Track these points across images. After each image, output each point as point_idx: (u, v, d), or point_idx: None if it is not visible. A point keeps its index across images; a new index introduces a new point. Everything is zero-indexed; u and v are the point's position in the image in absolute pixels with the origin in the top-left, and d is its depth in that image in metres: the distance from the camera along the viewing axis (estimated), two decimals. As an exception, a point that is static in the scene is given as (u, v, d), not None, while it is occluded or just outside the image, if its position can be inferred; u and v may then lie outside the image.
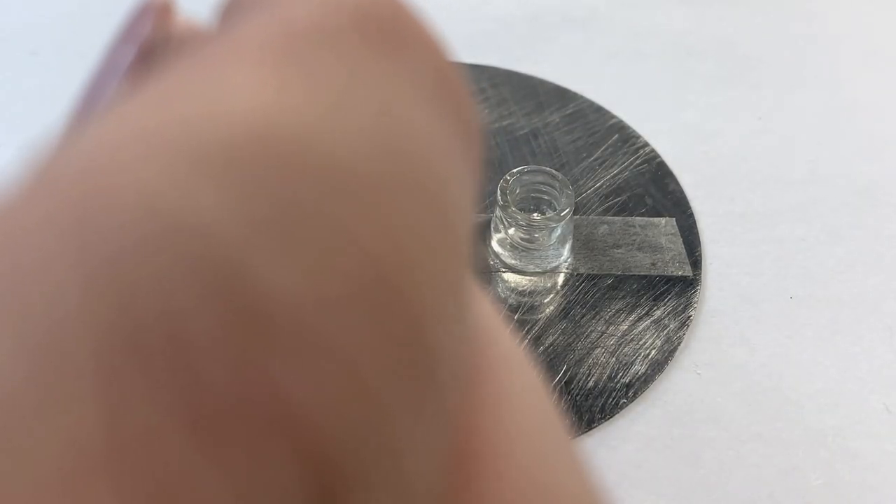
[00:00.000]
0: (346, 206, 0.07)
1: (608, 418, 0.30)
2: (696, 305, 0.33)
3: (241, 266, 0.06)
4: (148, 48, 0.11)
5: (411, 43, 0.10)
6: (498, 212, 0.33)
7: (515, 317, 0.33)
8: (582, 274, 0.34)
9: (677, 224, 0.36)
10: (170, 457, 0.06)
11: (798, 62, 0.44)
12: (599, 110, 0.40)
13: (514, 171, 0.33)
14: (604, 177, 0.38)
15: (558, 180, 0.32)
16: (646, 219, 0.36)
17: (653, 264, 0.34)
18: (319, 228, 0.07)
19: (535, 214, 0.32)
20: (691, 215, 0.36)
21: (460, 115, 0.10)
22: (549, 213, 0.32)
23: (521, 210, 0.32)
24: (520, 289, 0.34)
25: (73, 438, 0.06)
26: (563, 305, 0.33)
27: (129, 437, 0.06)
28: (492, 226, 0.34)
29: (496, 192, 0.32)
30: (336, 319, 0.07)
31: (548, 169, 0.33)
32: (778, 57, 0.44)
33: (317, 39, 0.09)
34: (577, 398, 0.30)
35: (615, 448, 0.29)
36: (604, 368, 0.31)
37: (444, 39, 0.11)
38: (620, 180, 0.37)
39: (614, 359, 0.31)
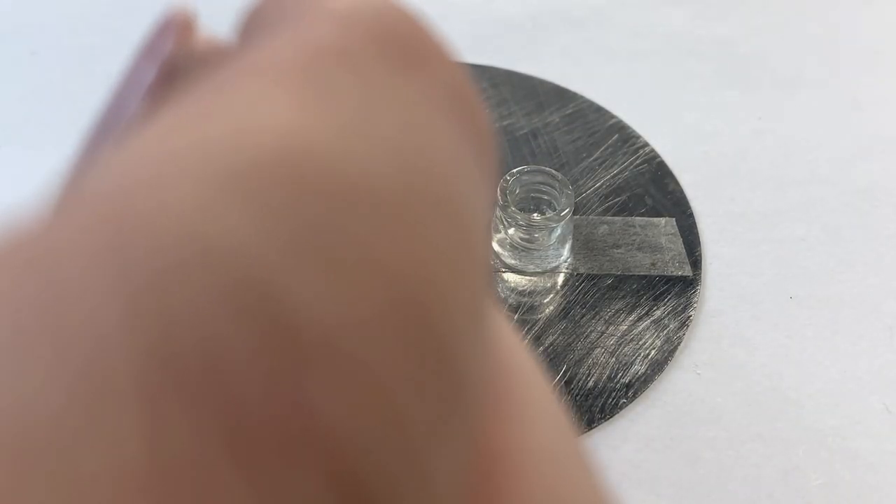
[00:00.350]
0: (372, 225, 0.07)
1: (608, 418, 0.30)
2: (695, 305, 0.33)
3: (273, 289, 0.07)
4: (169, 65, 0.10)
5: (429, 59, 0.10)
6: (498, 212, 0.33)
7: (515, 317, 0.33)
8: (582, 274, 0.34)
9: (677, 224, 0.36)
10: (209, 479, 0.06)
11: (798, 62, 0.44)
12: (599, 110, 0.40)
13: (514, 171, 0.33)
14: (604, 177, 0.37)
15: (558, 180, 0.32)
16: (646, 219, 0.36)
17: (653, 264, 0.34)
18: (348, 249, 0.07)
19: (535, 214, 0.32)
20: (691, 215, 0.36)
21: (476, 128, 0.10)
22: (549, 213, 0.32)
23: (520, 210, 0.32)
24: (520, 289, 0.34)
25: (115, 463, 0.06)
26: (562, 305, 0.33)
27: (170, 460, 0.06)
28: (492, 226, 0.34)
29: (496, 192, 0.32)
30: (366, 340, 0.07)
31: (547, 169, 0.33)
32: (778, 57, 0.44)
33: (338, 59, 0.09)
34: (577, 398, 0.30)
35: (615, 448, 0.29)
36: (604, 368, 0.31)
37: (456, 52, 0.11)
38: (620, 180, 0.37)
39: (614, 359, 0.31)
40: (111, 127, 0.10)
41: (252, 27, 0.10)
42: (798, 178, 0.38)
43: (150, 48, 0.11)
